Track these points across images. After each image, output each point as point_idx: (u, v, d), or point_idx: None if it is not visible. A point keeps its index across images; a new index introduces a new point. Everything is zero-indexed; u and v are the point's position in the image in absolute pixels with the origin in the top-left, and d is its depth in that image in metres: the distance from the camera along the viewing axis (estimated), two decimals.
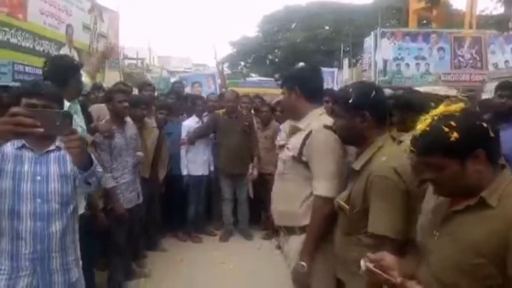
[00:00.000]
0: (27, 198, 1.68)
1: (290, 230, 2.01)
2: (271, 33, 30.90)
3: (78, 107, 2.75)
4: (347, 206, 1.70)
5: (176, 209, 4.56)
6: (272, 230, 4.66)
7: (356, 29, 25.09)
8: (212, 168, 4.74)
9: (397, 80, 14.67)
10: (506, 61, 14.24)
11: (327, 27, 29.66)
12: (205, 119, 4.71)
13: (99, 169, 1.74)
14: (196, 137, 4.51)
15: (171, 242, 4.53)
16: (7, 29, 7.72)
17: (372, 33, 15.54)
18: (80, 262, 1.89)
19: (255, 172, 4.66)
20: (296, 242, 1.95)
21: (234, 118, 4.60)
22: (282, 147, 2.23)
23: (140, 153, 3.46)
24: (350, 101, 1.73)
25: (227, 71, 31.55)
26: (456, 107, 1.22)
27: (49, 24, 9.53)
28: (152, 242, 4.24)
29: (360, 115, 1.72)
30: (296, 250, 1.94)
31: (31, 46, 8.74)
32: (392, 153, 1.67)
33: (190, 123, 4.63)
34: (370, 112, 1.72)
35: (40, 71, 8.92)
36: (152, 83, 5.26)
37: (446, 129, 1.15)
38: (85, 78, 11.09)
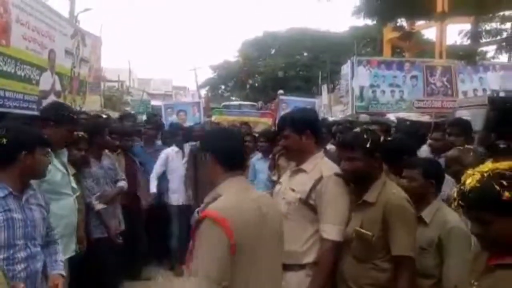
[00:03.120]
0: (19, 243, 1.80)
1: (288, 267, 1.98)
2: (251, 58, 31.54)
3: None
4: (370, 233, 1.87)
5: (159, 237, 4.59)
6: None
7: (334, 56, 25.95)
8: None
9: (373, 106, 15.15)
10: (475, 90, 14.97)
11: (305, 54, 30.56)
12: (186, 148, 4.76)
13: None
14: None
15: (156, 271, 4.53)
16: None
17: (349, 60, 16.12)
18: None
19: None
20: (295, 279, 1.99)
21: None
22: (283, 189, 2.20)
23: (121, 184, 3.53)
24: (368, 146, 1.95)
25: (206, 94, 31.88)
26: (505, 165, 1.27)
27: (32, 49, 9.53)
28: (135, 270, 4.25)
29: (375, 158, 1.97)
30: (297, 286, 1.98)
31: (13, 71, 8.70)
32: (396, 187, 1.96)
33: (168, 152, 4.70)
34: (381, 155, 1.99)
35: (21, 96, 8.87)
36: (134, 114, 5.37)
37: (498, 188, 1.21)
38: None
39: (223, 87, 33.94)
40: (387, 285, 1.86)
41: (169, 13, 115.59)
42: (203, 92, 31.12)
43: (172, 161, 4.64)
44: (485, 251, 1.33)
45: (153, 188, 4.51)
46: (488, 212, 1.23)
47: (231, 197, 1.52)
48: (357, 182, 2.04)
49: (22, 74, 8.70)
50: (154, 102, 14.00)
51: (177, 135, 4.78)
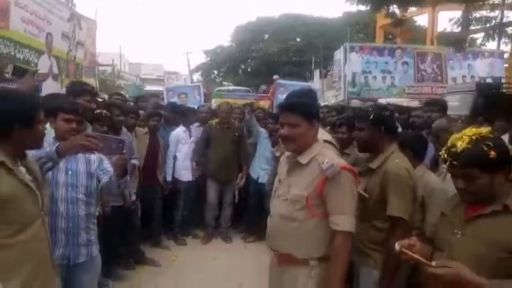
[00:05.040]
0: (61, 186, 2.16)
1: (296, 262, 1.95)
2: (244, 43, 31.45)
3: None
4: (367, 195, 2.14)
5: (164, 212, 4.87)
6: (249, 234, 5.09)
7: (327, 41, 26.02)
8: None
9: (365, 92, 15.43)
10: (464, 76, 15.33)
11: (298, 39, 30.53)
12: (193, 129, 5.04)
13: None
14: (199, 153, 4.90)
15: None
16: None
17: (342, 46, 16.30)
18: (97, 243, 2.35)
19: (243, 180, 5.03)
20: (302, 277, 1.93)
21: (226, 129, 4.96)
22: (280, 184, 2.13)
23: (134, 161, 3.80)
24: (371, 117, 2.22)
25: (200, 79, 31.85)
26: (486, 130, 1.53)
27: (30, 32, 9.58)
28: (154, 240, 4.61)
29: (379, 130, 2.21)
30: (304, 286, 1.93)
31: (12, 54, 8.78)
32: (401, 157, 2.18)
33: (178, 133, 4.95)
34: (385, 127, 2.22)
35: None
36: (121, 92, 5.64)
37: (486, 148, 1.46)
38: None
39: (216, 72, 33.90)
40: (382, 243, 2.12)
41: None
42: (195, 76, 31.14)
43: (181, 141, 4.93)
44: (466, 203, 1.59)
45: (169, 176, 4.80)
46: (476, 168, 1.47)
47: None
48: (364, 150, 2.30)
49: (21, 57, 8.79)
50: (149, 87, 14.09)
51: (186, 115, 5.03)
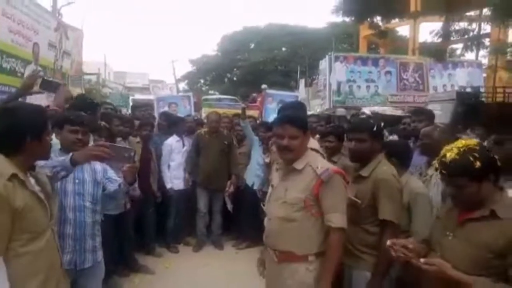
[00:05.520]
0: (69, 195, 2.26)
1: (294, 258, 2.10)
2: (230, 52, 31.69)
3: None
4: (359, 201, 2.26)
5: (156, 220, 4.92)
6: (241, 241, 5.18)
7: (311, 51, 26.46)
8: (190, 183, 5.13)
9: (350, 101, 15.75)
10: (444, 85, 15.79)
11: (284, 49, 30.94)
12: (186, 139, 5.12)
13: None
14: (191, 163, 4.98)
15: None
16: None
17: (327, 56, 16.63)
18: (101, 249, 2.44)
19: (232, 189, 5.11)
20: (301, 271, 2.09)
21: (215, 137, 5.05)
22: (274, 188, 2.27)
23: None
24: (374, 129, 2.33)
25: (186, 87, 31.88)
26: (474, 142, 1.68)
27: (17, 42, 9.54)
28: (147, 248, 4.69)
29: (377, 140, 2.35)
30: (303, 279, 2.08)
31: None
32: (389, 165, 2.33)
33: (170, 142, 5.03)
34: (380, 138, 2.37)
35: (6, 88, 8.89)
36: (110, 102, 5.73)
37: (472, 159, 1.59)
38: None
39: (202, 81, 34.01)
40: (373, 246, 2.26)
41: (145, 7, 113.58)
42: (181, 85, 31.16)
43: (174, 150, 5.00)
44: (457, 208, 1.75)
45: (168, 184, 4.91)
46: (463, 178, 1.61)
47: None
48: (359, 160, 2.40)
49: (8, 67, 8.73)
50: (139, 96, 14.07)
51: (180, 125, 5.11)
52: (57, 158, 2.07)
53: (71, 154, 1.93)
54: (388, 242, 1.71)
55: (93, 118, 3.12)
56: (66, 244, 2.20)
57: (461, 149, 1.65)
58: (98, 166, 2.37)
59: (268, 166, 4.61)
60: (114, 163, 2.20)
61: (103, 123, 3.26)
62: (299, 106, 2.51)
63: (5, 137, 1.63)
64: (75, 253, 2.25)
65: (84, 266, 2.28)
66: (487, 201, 1.64)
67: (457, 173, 1.63)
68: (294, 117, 2.20)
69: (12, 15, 9.14)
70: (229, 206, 5.21)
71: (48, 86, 3.26)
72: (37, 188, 1.71)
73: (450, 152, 1.67)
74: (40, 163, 1.80)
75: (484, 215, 1.63)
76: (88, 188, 2.32)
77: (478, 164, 1.59)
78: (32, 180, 1.72)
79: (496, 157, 1.65)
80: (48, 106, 2.81)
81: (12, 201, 1.54)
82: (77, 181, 2.28)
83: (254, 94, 6.68)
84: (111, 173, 2.44)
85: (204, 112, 6.81)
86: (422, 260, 1.62)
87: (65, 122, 2.29)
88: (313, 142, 2.51)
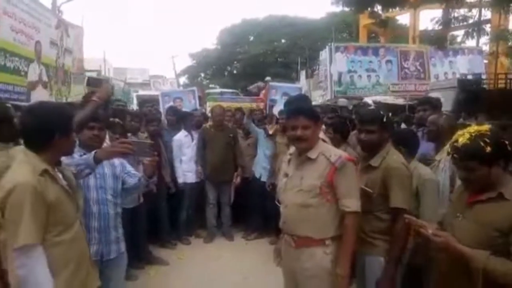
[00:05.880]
0: (92, 189, 2.35)
1: (313, 242, 2.20)
2: (229, 45, 31.62)
3: None
4: (371, 191, 2.33)
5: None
6: (250, 232, 5.27)
7: (311, 42, 26.40)
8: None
9: (351, 91, 15.78)
10: (445, 73, 15.80)
11: (283, 40, 30.85)
12: (194, 133, 5.18)
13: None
14: (201, 156, 5.07)
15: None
16: None
17: (327, 47, 16.62)
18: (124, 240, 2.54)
19: (238, 180, 5.19)
20: (319, 255, 2.19)
21: (220, 131, 5.12)
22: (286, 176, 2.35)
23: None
24: (384, 120, 2.39)
25: (186, 82, 31.88)
26: (486, 128, 1.75)
27: (19, 41, 9.58)
28: (161, 240, 4.80)
29: (387, 131, 2.41)
30: (321, 262, 2.18)
31: (3, 63, 8.77)
32: (397, 154, 2.39)
33: (180, 137, 5.11)
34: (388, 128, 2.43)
35: (11, 87, 8.91)
36: (121, 99, 5.79)
37: (482, 144, 1.67)
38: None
39: (202, 74, 34.00)
40: (385, 232, 2.33)
41: (143, 2, 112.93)
42: (182, 80, 31.18)
43: (184, 145, 5.07)
44: (467, 191, 1.84)
45: (180, 179, 5.01)
46: (473, 161, 1.70)
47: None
48: (369, 150, 2.45)
49: (12, 66, 8.79)
50: (143, 92, 14.15)
51: (188, 120, 5.19)
52: (76, 154, 2.15)
53: (94, 151, 2.00)
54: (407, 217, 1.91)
55: (105, 114, 3.19)
56: (92, 236, 2.29)
57: (473, 134, 1.72)
58: (116, 160, 2.44)
59: (274, 159, 4.72)
60: (136, 158, 2.28)
61: (116, 119, 3.34)
62: (304, 99, 2.56)
63: (35, 134, 1.72)
64: (101, 244, 2.34)
65: (109, 257, 2.37)
66: (497, 184, 1.72)
67: (468, 157, 1.72)
68: (305, 108, 2.31)
69: (14, 14, 9.17)
70: (232, 198, 5.30)
71: (96, 82, 3.42)
72: (64, 183, 1.79)
73: (462, 137, 1.75)
74: (65, 161, 1.88)
75: (492, 196, 1.71)
76: (109, 182, 2.40)
77: (488, 148, 1.67)
78: (60, 175, 1.81)
79: (507, 142, 1.71)
80: (88, 100, 2.86)
81: (46, 195, 1.64)
82: (98, 175, 2.36)
83: (254, 86, 6.73)
84: (129, 167, 2.52)
85: (208, 106, 6.86)
86: (430, 231, 1.75)
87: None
88: (321, 133, 2.57)
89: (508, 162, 1.75)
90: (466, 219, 1.79)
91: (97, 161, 1.99)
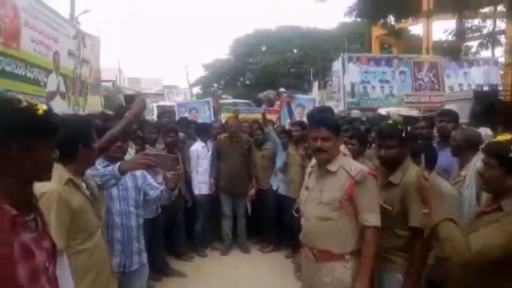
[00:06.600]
0: (115, 200, 2.38)
1: (333, 257, 2.20)
2: (242, 56, 31.85)
3: None
4: (390, 208, 2.29)
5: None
6: (266, 244, 5.25)
7: (323, 52, 26.43)
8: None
9: (364, 102, 15.70)
10: (460, 84, 15.64)
11: (295, 51, 30.97)
12: (209, 144, 5.23)
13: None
14: (215, 166, 5.09)
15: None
16: (2, 58, 7.99)
17: (340, 57, 16.63)
18: (145, 251, 2.57)
19: (253, 191, 5.18)
20: (339, 269, 2.19)
21: (235, 142, 5.12)
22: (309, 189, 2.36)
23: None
24: (403, 135, 2.32)
25: (199, 92, 32.17)
26: None
27: (39, 51, 9.79)
28: (178, 252, 4.79)
29: (406, 146, 2.36)
30: (341, 277, 2.18)
31: (23, 74, 8.97)
32: (417, 169, 2.31)
33: (197, 148, 5.14)
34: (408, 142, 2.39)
35: (30, 98, 9.14)
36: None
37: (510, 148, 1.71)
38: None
39: (215, 85, 34.30)
40: (404, 249, 2.29)
41: (157, 12, 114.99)
42: (195, 90, 31.46)
43: (201, 156, 5.11)
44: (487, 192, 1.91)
45: (196, 190, 5.06)
46: (495, 159, 1.76)
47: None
48: (389, 166, 2.39)
49: (32, 76, 9.01)
50: (162, 103, 14.42)
51: (207, 131, 5.24)
52: (99, 165, 2.20)
53: (118, 163, 2.05)
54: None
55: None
56: (115, 247, 2.31)
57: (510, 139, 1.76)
58: (138, 172, 2.48)
59: (285, 170, 4.73)
60: (159, 171, 2.32)
61: (138, 131, 3.40)
62: (327, 110, 2.55)
63: (61, 146, 1.77)
64: (123, 256, 2.36)
65: (131, 269, 2.39)
66: (508, 193, 1.74)
67: (491, 155, 1.78)
68: (327, 120, 2.30)
69: (34, 25, 9.41)
70: (249, 210, 5.29)
71: (131, 99, 3.51)
72: (87, 192, 1.84)
73: (503, 137, 1.80)
74: (91, 172, 1.94)
75: (494, 208, 1.77)
76: (132, 193, 2.44)
77: (511, 155, 1.70)
78: (84, 185, 1.86)
79: None
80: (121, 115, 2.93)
81: (70, 202, 1.71)
82: (121, 187, 2.39)
83: (264, 94, 6.72)
84: (150, 179, 2.57)
85: (223, 117, 6.92)
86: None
87: (105, 130, 2.42)
88: (342, 147, 2.57)
89: None
90: (471, 229, 1.80)
91: (122, 172, 2.04)
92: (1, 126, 1.10)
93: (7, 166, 1.11)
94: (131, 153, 3.88)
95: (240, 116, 5.99)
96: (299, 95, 7.77)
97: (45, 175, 1.23)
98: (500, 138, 1.80)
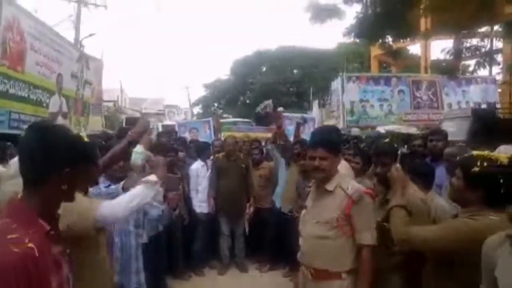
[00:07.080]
0: None
1: (330, 275, 2.21)
2: (242, 76, 32.14)
3: None
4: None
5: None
6: (264, 263, 5.19)
7: (323, 72, 26.72)
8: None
9: (363, 120, 15.80)
10: (459, 102, 15.77)
11: (295, 71, 31.27)
12: (208, 162, 5.26)
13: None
14: (214, 185, 5.09)
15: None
16: (6, 80, 8.14)
17: (339, 76, 16.83)
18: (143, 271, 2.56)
19: (251, 210, 5.17)
20: (336, 287, 2.19)
21: (232, 161, 5.13)
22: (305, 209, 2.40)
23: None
24: (399, 153, 2.41)
25: (200, 112, 32.38)
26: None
27: (43, 74, 9.96)
28: (176, 271, 4.75)
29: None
30: None
31: (26, 96, 9.10)
32: (414, 188, 2.34)
33: (197, 167, 5.17)
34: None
35: (33, 119, 9.21)
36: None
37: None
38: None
39: (216, 104, 34.54)
40: (400, 267, 2.30)
41: (160, 34, 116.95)
42: (196, 109, 31.69)
43: (200, 174, 5.14)
44: None
45: (198, 208, 5.06)
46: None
47: None
48: (385, 184, 2.41)
49: (34, 98, 9.17)
50: (166, 122, 14.61)
51: (206, 150, 5.28)
52: (102, 185, 2.24)
53: (122, 182, 2.10)
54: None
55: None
56: (114, 266, 2.33)
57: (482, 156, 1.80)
58: None
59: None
60: (167, 190, 2.37)
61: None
62: (333, 130, 2.57)
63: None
64: (122, 275, 2.39)
65: None
66: (471, 206, 1.81)
67: (459, 167, 1.86)
68: (325, 140, 2.32)
69: (39, 49, 9.60)
70: (246, 229, 5.27)
71: (134, 121, 3.58)
72: None
73: (478, 153, 1.83)
74: (95, 191, 1.98)
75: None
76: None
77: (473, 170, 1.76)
78: None
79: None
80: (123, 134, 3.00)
81: None
82: None
83: (262, 107, 6.80)
84: None
85: (223, 136, 6.99)
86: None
87: (108, 149, 2.47)
88: (344, 165, 2.58)
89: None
90: None
91: (126, 191, 2.08)
92: (63, 153, 1.20)
93: (52, 188, 1.20)
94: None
95: (238, 135, 6.02)
96: (297, 114, 7.84)
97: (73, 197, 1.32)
98: (475, 153, 1.85)
